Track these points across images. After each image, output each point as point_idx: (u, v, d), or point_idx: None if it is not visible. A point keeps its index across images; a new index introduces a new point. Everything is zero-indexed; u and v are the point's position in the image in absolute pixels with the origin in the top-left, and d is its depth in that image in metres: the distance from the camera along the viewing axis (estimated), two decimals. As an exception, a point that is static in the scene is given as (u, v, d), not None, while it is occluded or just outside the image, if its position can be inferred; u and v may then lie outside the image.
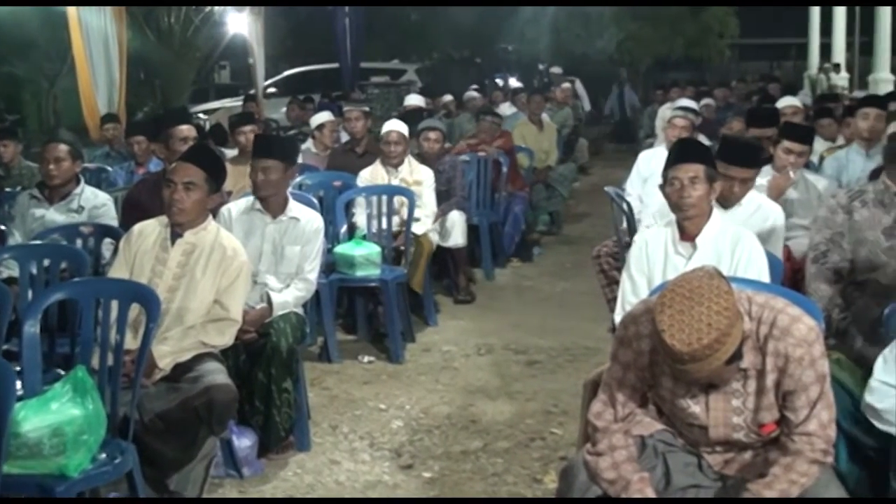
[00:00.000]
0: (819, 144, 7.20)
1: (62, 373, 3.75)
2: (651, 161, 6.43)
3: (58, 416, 3.33)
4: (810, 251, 3.92)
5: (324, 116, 8.62)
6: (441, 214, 7.40)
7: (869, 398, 3.13)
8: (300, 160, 8.16)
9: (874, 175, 4.60)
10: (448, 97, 13.49)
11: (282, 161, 4.95)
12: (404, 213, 6.74)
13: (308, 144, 8.59)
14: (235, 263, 4.28)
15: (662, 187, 3.97)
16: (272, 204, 4.99)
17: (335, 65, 16.71)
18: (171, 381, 4.00)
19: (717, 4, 21.17)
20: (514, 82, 20.12)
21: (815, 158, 6.67)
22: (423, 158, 7.40)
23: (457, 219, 7.51)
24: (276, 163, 4.93)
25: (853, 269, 3.76)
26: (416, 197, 6.80)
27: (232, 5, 13.82)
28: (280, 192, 5.00)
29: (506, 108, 12.79)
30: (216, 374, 3.99)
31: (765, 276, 3.87)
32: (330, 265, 6.19)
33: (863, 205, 3.80)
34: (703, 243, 3.91)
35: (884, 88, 16.56)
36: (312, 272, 5.01)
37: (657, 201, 4.92)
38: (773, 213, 4.72)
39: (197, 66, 16.35)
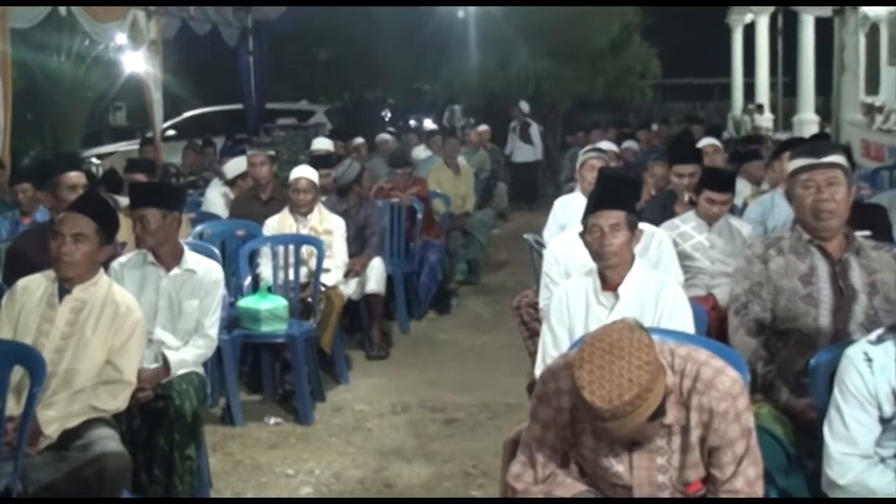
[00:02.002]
0: (744, 187, 7.38)
1: (-64, 443, 3.64)
2: (568, 207, 6.52)
3: (-70, 491, 3.22)
4: (731, 303, 4.01)
5: (242, 164, 8.52)
6: (368, 259, 7.43)
7: (830, 473, 3.11)
8: (215, 203, 8.13)
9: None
10: (359, 140, 13.52)
11: (159, 208, 4.84)
12: (313, 263, 6.72)
13: (225, 190, 8.50)
14: (129, 321, 4.22)
15: (583, 235, 4.03)
16: (164, 255, 4.91)
17: (239, 105, 16.66)
18: (58, 449, 3.91)
19: (638, 4, 21.59)
20: (429, 124, 20.28)
21: (739, 202, 6.82)
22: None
23: (376, 264, 7.53)
24: (152, 210, 4.83)
25: (774, 319, 3.86)
26: (326, 247, 6.79)
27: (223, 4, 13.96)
28: (167, 241, 4.90)
29: (420, 152, 12.89)
30: (108, 440, 3.91)
31: (689, 326, 3.94)
32: (233, 320, 6.13)
33: (778, 253, 3.91)
34: (626, 293, 3.97)
35: (808, 130, 17.12)
36: (213, 327, 4.94)
37: (549, 254, 5.01)
38: (656, 234, 4.88)
39: (90, 106, 16.15)
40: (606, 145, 8.56)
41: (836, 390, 3.15)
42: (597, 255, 3.96)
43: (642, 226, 4.69)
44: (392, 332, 8.25)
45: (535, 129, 17.31)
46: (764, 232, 5.85)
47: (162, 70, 12.62)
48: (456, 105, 22.91)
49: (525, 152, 17.03)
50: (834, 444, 3.10)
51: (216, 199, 8.35)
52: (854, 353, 3.13)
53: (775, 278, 3.86)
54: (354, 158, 12.10)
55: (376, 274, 7.52)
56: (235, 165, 8.56)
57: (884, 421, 3.07)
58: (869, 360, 3.08)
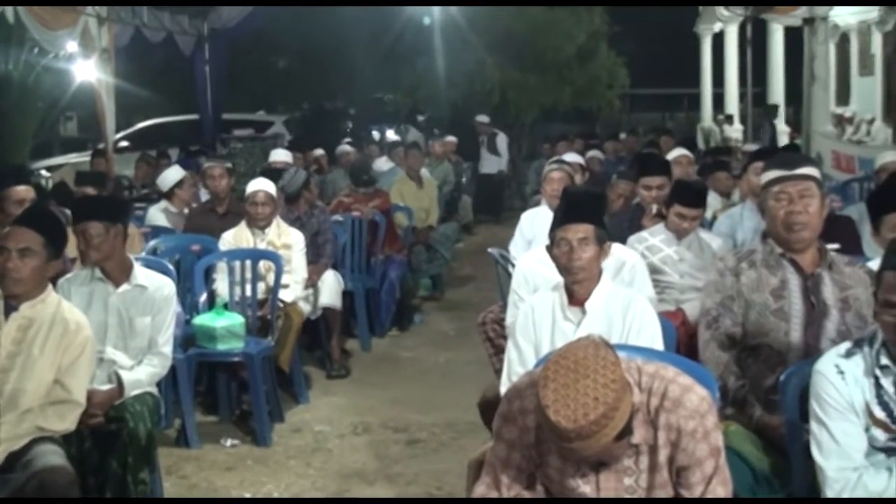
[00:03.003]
0: (714, 200, 7.42)
1: None
2: (535, 220, 6.54)
3: None
4: (702, 317, 4.04)
5: (179, 173, 8.50)
6: (324, 268, 7.48)
7: (831, 493, 3.09)
8: (158, 222, 8.07)
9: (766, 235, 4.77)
10: (319, 151, 13.50)
11: (101, 221, 4.76)
12: (271, 279, 6.70)
13: (165, 204, 8.44)
14: (79, 339, 4.18)
15: (549, 248, 4.04)
16: (112, 271, 4.84)
17: (194, 116, 16.60)
18: (3, 472, 3.86)
19: (605, 4, 21.74)
20: (391, 135, 20.27)
21: (708, 215, 6.85)
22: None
23: (328, 277, 7.51)
24: (95, 224, 4.75)
25: (745, 333, 3.89)
26: (284, 261, 6.77)
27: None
28: (113, 255, 4.82)
29: (382, 163, 12.89)
30: (49, 455, 3.89)
31: (658, 342, 3.96)
32: (188, 338, 6.09)
33: (750, 266, 3.95)
34: (593, 308, 3.98)
35: (779, 141, 17.23)
36: (167, 345, 4.91)
37: (518, 270, 5.02)
38: (628, 256, 4.91)
39: (39, 116, 15.98)
40: (571, 157, 8.59)
41: (814, 407, 3.17)
42: (565, 269, 3.97)
43: (616, 249, 4.74)
44: (353, 350, 8.23)
45: (502, 139, 17.37)
46: (733, 245, 5.89)
47: (114, 79, 12.55)
48: (420, 115, 22.92)
49: (491, 163, 17.08)
50: (826, 462, 3.13)
51: (156, 215, 8.24)
52: (825, 367, 3.17)
53: (746, 292, 3.89)
54: (315, 170, 12.16)
55: (329, 286, 7.50)
56: (169, 176, 8.50)
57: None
58: (841, 371, 3.14)
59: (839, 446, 3.10)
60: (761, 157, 6.75)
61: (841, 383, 3.12)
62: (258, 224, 7.00)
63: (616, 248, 4.77)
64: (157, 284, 4.92)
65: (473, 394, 6.08)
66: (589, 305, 3.99)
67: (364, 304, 8.44)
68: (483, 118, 17.56)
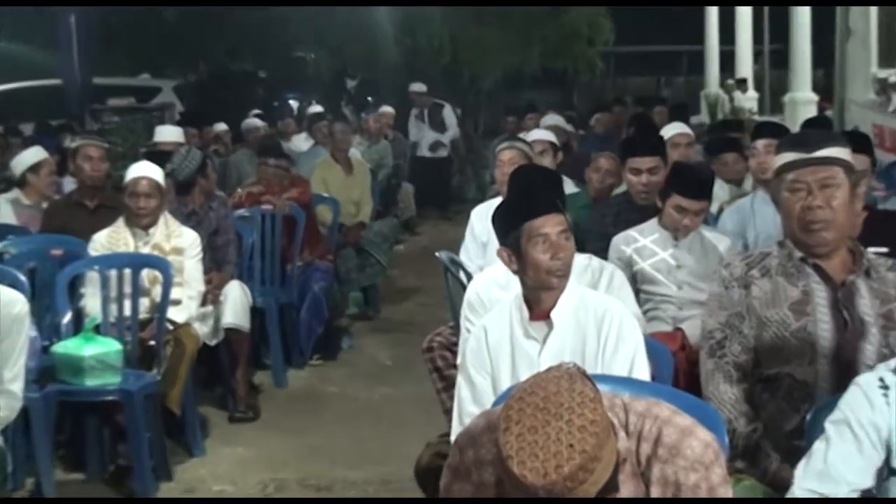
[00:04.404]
0: (720, 189, 7.43)
1: None
2: (487, 218, 6.47)
3: None
4: (704, 341, 4.02)
5: (36, 154, 8.42)
6: (227, 276, 7.51)
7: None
8: (4, 218, 7.98)
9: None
10: (221, 126, 13.45)
11: None
12: (157, 292, 6.66)
13: (15, 195, 8.35)
14: None
15: (502, 252, 4.04)
16: None
17: (56, 81, 16.51)
18: None
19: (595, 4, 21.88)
20: (313, 106, 20.25)
21: (714, 208, 6.84)
22: None
23: (233, 289, 7.47)
24: None
25: (759, 361, 3.88)
26: (174, 271, 6.72)
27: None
28: None
29: (301, 142, 12.86)
30: None
31: (641, 356, 3.96)
32: (46, 371, 6.03)
33: (763, 274, 3.93)
34: (561, 319, 3.99)
35: (804, 112, 17.30)
36: (16, 381, 4.82)
37: (471, 293, 5.01)
38: (606, 267, 5.02)
39: None
40: (542, 134, 8.50)
41: (828, 421, 3.16)
42: (547, 272, 3.96)
43: (586, 258, 4.76)
44: (264, 385, 8.21)
45: (448, 112, 17.28)
46: (744, 247, 5.88)
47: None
48: (350, 80, 22.90)
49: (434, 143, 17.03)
50: (800, 480, 3.14)
51: (2, 207, 8.18)
52: (867, 380, 3.14)
53: (759, 308, 3.88)
54: (215, 151, 12.09)
55: (234, 302, 7.46)
56: (25, 158, 8.45)
57: (893, 472, 3.09)
58: (885, 386, 3.10)
59: (825, 466, 3.09)
60: (768, 134, 6.70)
61: (880, 401, 3.07)
62: (140, 222, 6.94)
63: (588, 258, 4.81)
64: (3, 301, 4.86)
65: (416, 441, 6.07)
66: (555, 316, 3.99)
67: (278, 324, 8.40)
68: (419, 87, 17.45)
